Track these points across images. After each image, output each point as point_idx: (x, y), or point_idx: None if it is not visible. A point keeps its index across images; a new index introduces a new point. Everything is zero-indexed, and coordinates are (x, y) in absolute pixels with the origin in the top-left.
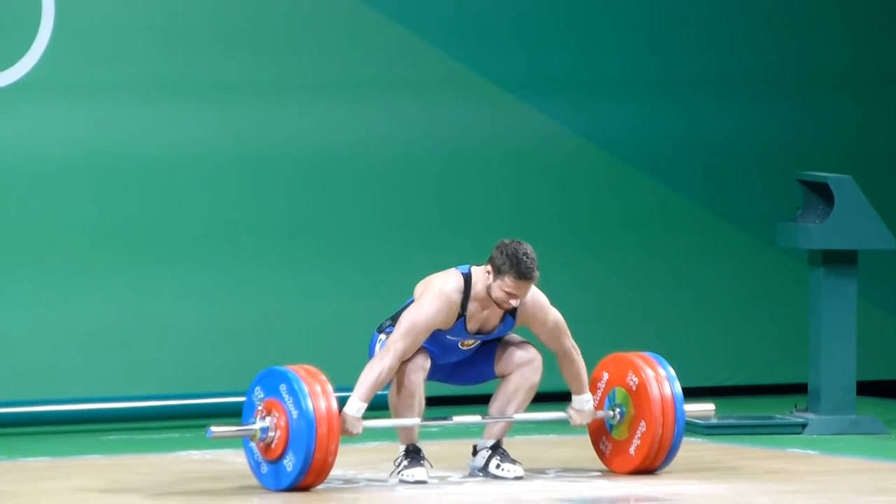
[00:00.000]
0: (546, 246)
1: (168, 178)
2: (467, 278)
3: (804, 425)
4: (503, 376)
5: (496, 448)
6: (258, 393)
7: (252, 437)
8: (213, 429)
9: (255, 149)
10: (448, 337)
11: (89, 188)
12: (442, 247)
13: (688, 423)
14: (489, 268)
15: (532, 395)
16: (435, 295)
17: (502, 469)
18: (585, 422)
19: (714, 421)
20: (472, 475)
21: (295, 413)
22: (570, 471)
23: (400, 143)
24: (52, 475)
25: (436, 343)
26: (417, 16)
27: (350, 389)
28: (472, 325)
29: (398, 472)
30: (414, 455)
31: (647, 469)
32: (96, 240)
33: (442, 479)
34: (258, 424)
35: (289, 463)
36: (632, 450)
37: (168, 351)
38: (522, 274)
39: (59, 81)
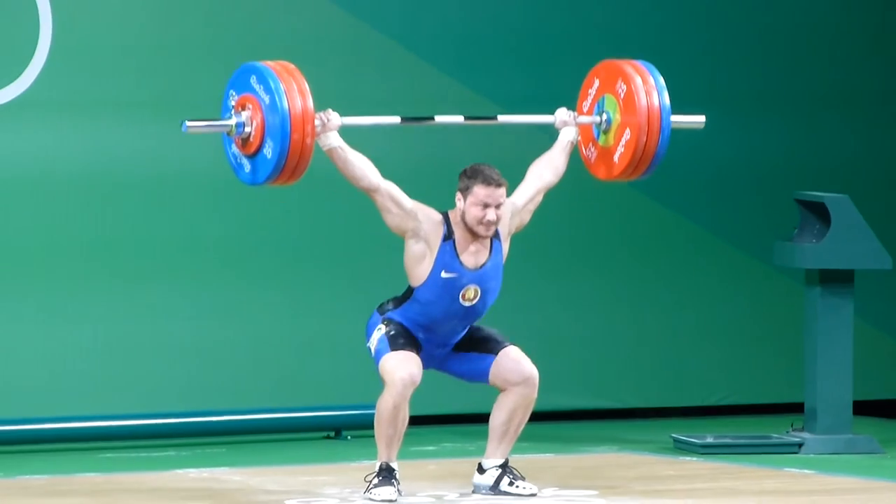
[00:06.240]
0: (543, 265)
1: (159, 195)
2: (444, 214)
3: (800, 445)
4: (496, 386)
5: (505, 466)
6: (232, 95)
7: (229, 133)
8: (189, 123)
9: None
10: (444, 275)
11: (81, 205)
12: None
13: (683, 443)
14: (458, 195)
15: (530, 410)
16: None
17: (517, 486)
18: (569, 123)
19: (710, 440)
20: (476, 493)
21: (267, 99)
22: (568, 488)
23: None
24: (49, 493)
25: (435, 295)
26: (413, 34)
27: (335, 407)
28: (466, 259)
29: (367, 491)
30: (386, 474)
31: (629, 177)
32: (93, 257)
33: (438, 498)
34: (234, 119)
35: (268, 150)
36: (616, 157)
37: (164, 368)
38: (489, 178)
39: (55, 100)
